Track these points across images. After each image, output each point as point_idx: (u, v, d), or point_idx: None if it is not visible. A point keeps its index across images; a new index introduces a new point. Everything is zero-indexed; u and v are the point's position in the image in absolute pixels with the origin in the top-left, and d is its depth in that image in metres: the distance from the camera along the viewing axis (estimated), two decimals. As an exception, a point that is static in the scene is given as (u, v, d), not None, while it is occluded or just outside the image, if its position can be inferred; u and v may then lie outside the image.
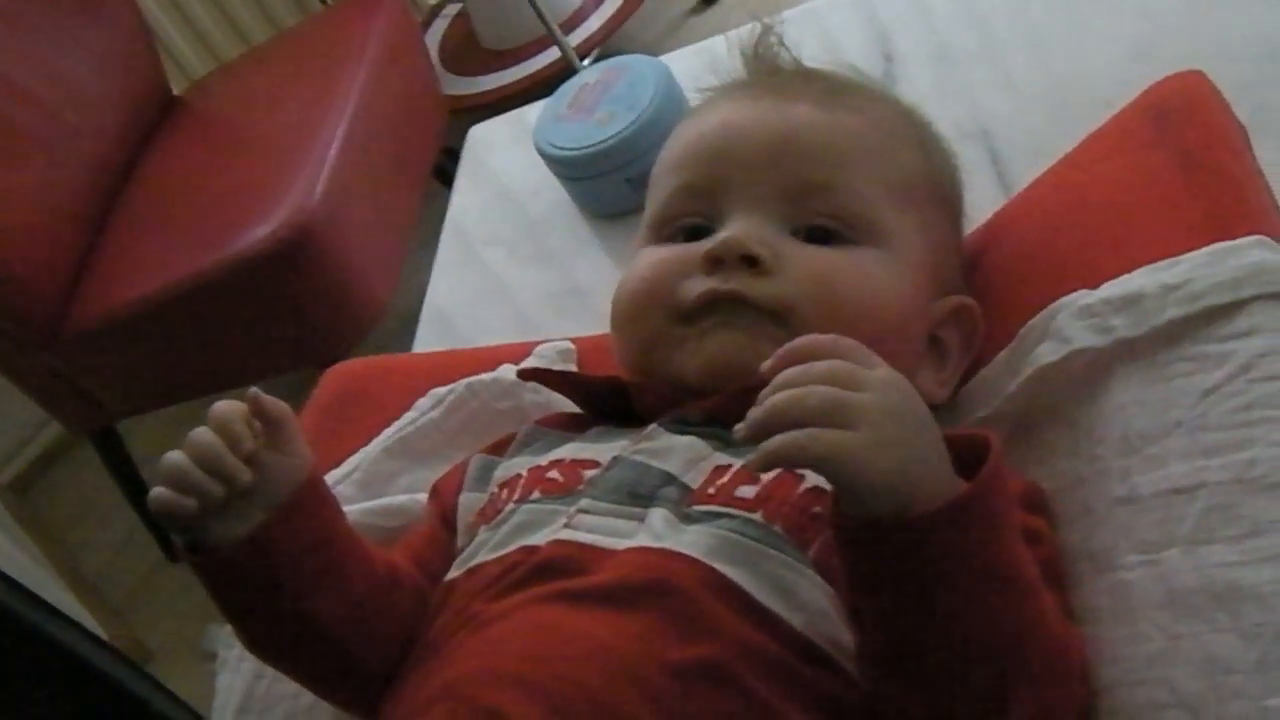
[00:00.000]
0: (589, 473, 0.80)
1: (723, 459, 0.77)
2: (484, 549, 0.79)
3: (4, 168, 2.25)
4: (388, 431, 1.06)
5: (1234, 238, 0.78)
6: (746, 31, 0.97)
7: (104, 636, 1.73)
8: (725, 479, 0.75)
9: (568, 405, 0.96)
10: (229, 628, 0.85)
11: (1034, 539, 0.72)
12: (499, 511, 0.81)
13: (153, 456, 0.82)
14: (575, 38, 2.94)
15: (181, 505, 0.74)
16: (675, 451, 0.78)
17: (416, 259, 2.05)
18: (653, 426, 0.81)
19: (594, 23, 3.00)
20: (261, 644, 0.83)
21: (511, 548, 0.77)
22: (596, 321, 0.98)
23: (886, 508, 0.59)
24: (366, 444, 1.06)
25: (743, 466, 0.75)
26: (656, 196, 0.92)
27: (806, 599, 0.69)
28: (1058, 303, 0.82)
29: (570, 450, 0.84)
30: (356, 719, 0.87)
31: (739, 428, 0.61)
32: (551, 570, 0.73)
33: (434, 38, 3.33)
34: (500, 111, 1.62)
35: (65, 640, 1.30)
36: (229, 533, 0.76)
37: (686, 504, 0.74)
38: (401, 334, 1.45)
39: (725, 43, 1.00)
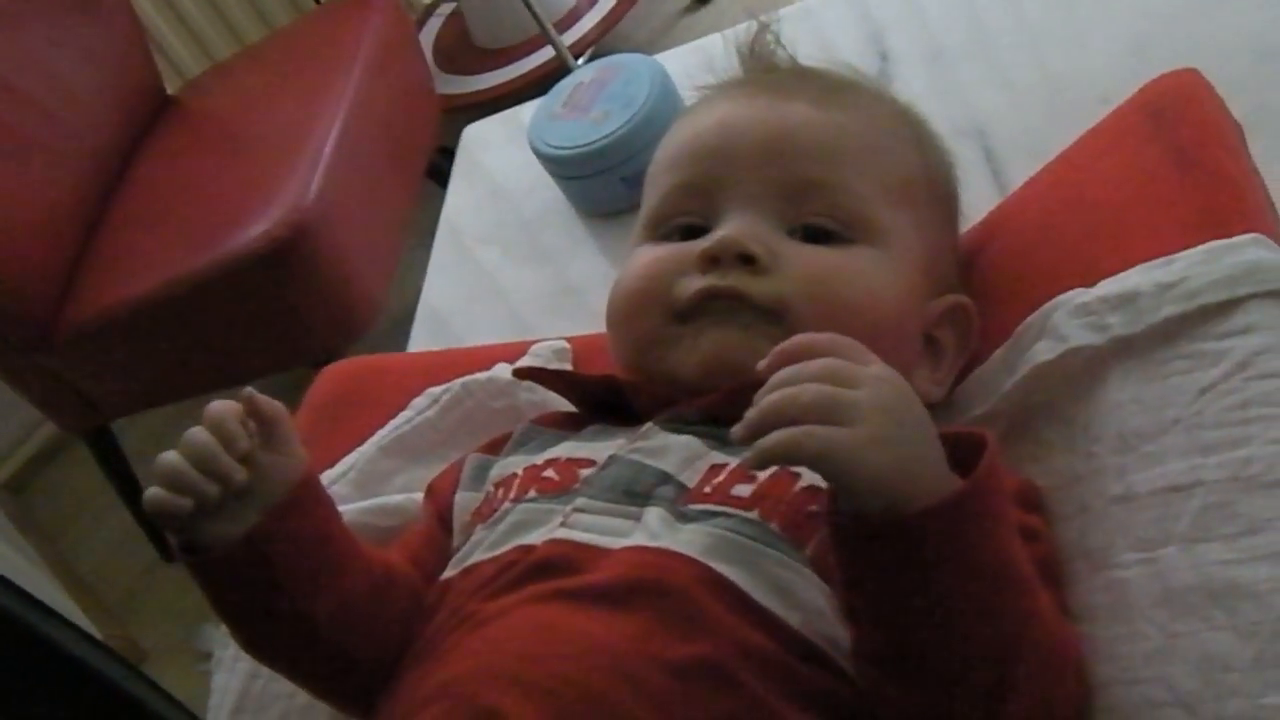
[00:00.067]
0: (585, 472, 0.80)
1: (719, 458, 0.76)
2: (480, 548, 0.79)
3: (-2, 167, 2.25)
4: (383, 431, 1.06)
5: (1230, 236, 0.78)
6: (743, 30, 0.97)
7: (99, 636, 1.73)
8: (721, 478, 0.75)
9: (563, 404, 0.96)
10: (224, 628, 0.84)
11: (1030, 537, 0.72)
12: (495, 511, 0.81)
13: (147, 456, 0.82)
14: (569, 37, 2.94)
15: (177, 505, 0.74)
16: (671, 450, 0.78)
17: (411, 258, 2.04)
18: (649, 425, 0.81)
19: (588, 22, 3.00)
20: (257, 644, 0.83)
21: (507, 547, 0.77)
22: (591, 321, 0.98)
23: (882, 504, 0.59)
24: (362, 443, 1.06)
25: (739, 465, 0.75)
26: (652, 195, 0.92)
27: (803, 597, 0.69)
28: (1054, 301, 0.82)
29: (566, 449, 0.84)
30: (353, 719, 0.87)
31: (735, 429, 0.61)
32: (548, 569, 0.73)
33: (428, 37, 3.33)
34: (494, 111, 1.62)
35: (60, 640, 1.30)
36: (224, 533, 0.76)
37: (683, 503, 0.74)
38: (396, 333, 1.45)
39: (720, 41, 1.00)
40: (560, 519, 0.76)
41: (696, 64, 1.28)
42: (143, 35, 2.75)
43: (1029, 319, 0.83)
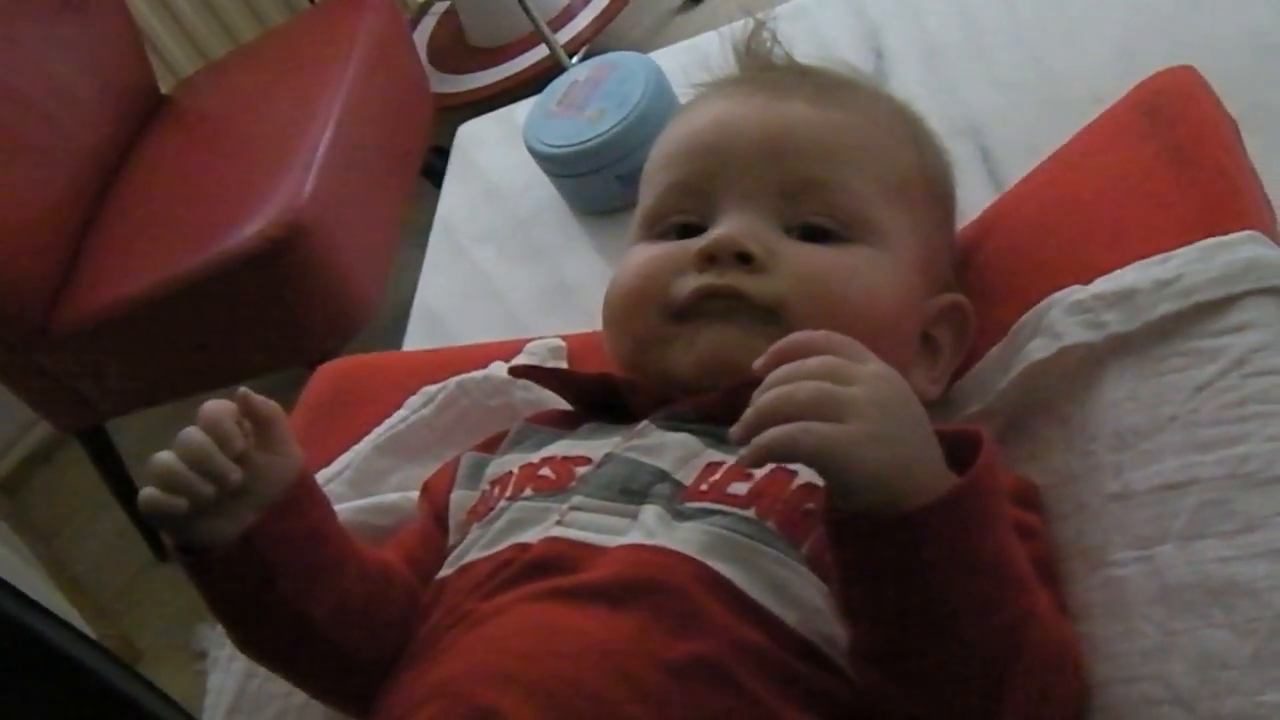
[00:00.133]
0: (581, 470, 0.80)
1: (715, 456, 0.76)
2: (476, 547, 0.79)
3: (-8, 167, 2.24)
4: (379, 429, 1.06)
5: (1226, 233, 0.78)
6: (739, 27, 0.97)
7: (94, 636, 1.72)
8: (718, 476, 0.75)
9: (559, 403, 0.96)
10: (220, 627, 0.84)
11: (1027, 535, 0.72)
12: (491, 509, 0.81)
13: (142, 456, 0.81)
14: (563, 35, 2.94)
15: (172, 505, 0.74)
16: (668, 448, 0.78)
17: (406, 257, 2.04)
18: (645, 423, 0.80)
19: (582, 20, 3.00)
20: (253, 643, 0.83)
21: (503, 545, 0.77)
22: (587, 319, 0.98)
23: (878, 501, 0.59)
24: (357, 442, 1.06)
25: (735, 462, 0.75)
26: (648, 193, 0.91)
27: (800, 595, 0.69)
28: (1050, 298, 0.82)
29: (562, 447, 0.84)
30: (349, 718, 0.87)
31: (733, 429, 0.61)
32: (544, 568, 0.72)
33: (422, 35, 3.33)
34: (489, 109, 1.62)
35: (55, 640, 1.30)
36: (220, 533, 0.76)
37: (679, 501, 0.74)
38: (391, 332, 1.45)
39: (715, 39, 1.00)
40: (556, 517, 0.76)
41: (691, 62, 1.28)
42: (137, 34, 2.75)
43: (1025, 316, 0.83)
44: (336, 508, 0.86)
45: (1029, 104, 1.12)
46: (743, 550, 0.70)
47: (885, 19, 1.31)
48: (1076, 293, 0.80)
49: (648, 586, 0.69)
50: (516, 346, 1.09)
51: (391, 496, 0.99)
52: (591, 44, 2.94)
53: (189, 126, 2.67)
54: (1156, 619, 0.68)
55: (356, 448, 1.05)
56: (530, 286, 1.32)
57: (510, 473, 0.84)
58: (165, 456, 0.74)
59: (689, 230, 0.87)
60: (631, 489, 0.76)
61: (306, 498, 0.81)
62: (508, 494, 0.81)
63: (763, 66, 0.95)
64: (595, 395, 0.89)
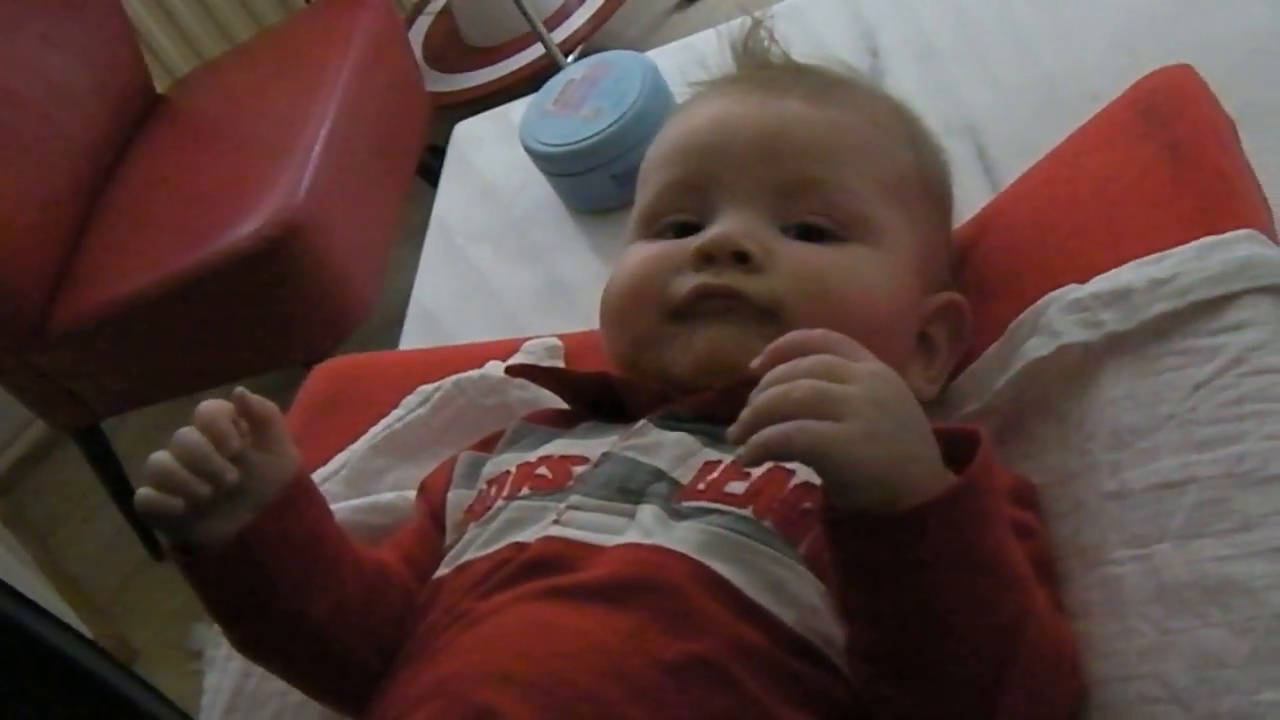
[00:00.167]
0: (578, 469, 0.80)
1: (712, 455, 0.76)
2: (473, 546, 0.79)
3: (-13, 166, 2.24)
4: (375, 429, 1.06)
5: (1223, 231, 0.78)
6: (736, 26, 0.97)
7: (90, 636, 1.72)
8: (715, 475, 0.75)
9: (555, 402, 0.96)
10: (216, 627, 0.84)
11: (1024, 534, 0.72)
12: (488, 508, 0.81)
13: (138, 455, 0.81)
14: (559, 34, 2.94)
15: (168, 505, 0.74)
16: (665, 447, 0.78)
17: (402, 256, 2.04)
18: (642, 422, 0.80)
19: (578, 19, 2.99)
20: (249, 643, 0.83)
21: (501, 545, 0.77)
22: (583, 318, 0.98)
23: (875, 499, 0.59)
24: (354, 442, 1.06)
25: (732, 461, 0.75)
26: (645, 192, 0.91)
27: (797, 595, 0.69)
28: (1047, 297, 0.82)
29: (559, 446, 0.84)
30: (346, 717, 0.87)
31: (731, 429, 0.61)
32: (541, 567, 0.72)
33: (418, 34, 3.32)
34: (485, 108, 1.62)
35: (51, 639, 1.30)
36: (216, 532, 0.76)
37: (676, 500, 0.74)
38: (387, 331, 1.45)
39: (710, 39, 1.00)
40: (554, 516, 0.76)
41: (687, 61, 1.29)
42: (132, 34, 2.74)
43: (1022, 315, 0.83)
44: (333, 507, 0.86)
45: (1025, 103, 1.12)
46: (740, 549, 0.70)
47: (881, 18, 1.31)
48: (1074, 291, 0.80)
49: (645, 586, 0.69)
50: (513, 346, 1.09)
51: (388, 496, 0.99)
52: (587, 43, 2.94)
53: (185, 126, 2.67)
54: (1154, 618, 0.68)
55: (353, 447, 1.05)
56: (527, 285, 1.32)
57: (507, 472, 0.84)
58: (161, 456, 0.74)
59: (686, 229, 0.87)
60: (629, 488, 0.76)
61: (303, 497, 0.80)
62: (505, 493, 0.81)
63: (759, 65, 0.95)
64: (592, 394, 0.89)
